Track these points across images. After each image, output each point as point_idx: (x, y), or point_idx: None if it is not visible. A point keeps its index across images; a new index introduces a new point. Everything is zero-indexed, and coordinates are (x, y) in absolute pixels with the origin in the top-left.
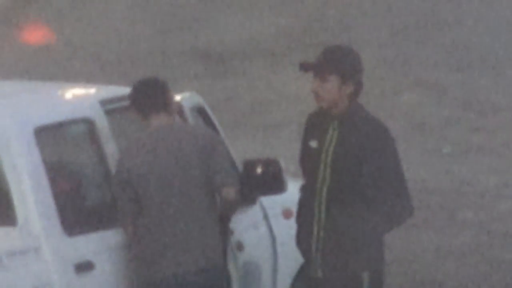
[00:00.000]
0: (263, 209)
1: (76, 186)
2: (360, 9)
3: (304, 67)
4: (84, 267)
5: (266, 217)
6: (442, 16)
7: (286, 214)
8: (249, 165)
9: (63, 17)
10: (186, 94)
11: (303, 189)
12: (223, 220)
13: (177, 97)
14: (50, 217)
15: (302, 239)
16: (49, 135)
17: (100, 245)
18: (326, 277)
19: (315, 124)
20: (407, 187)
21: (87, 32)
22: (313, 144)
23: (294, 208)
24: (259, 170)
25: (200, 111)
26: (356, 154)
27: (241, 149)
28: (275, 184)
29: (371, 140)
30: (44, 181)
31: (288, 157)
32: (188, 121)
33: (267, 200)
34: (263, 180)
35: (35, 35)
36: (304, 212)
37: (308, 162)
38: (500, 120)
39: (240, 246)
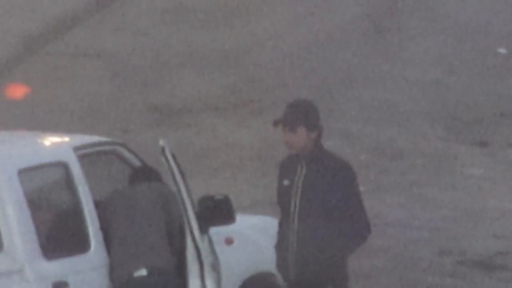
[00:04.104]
0: (210, 237)
1: (53, 217)
2: (292, 69)
3: (276, 122)
4: (60, 286)
5: (211, 243)
6: (364, 74)
7: (228, 241)
8: (204, 200)
9: (45, 78)
10: (164, 140)
11: (280, 224)
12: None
13: (160, 143)
14: (32, 244)
15: (280, 265)
16: (30, 175)
17: (73, 267)
18: None
19: (287, 167)
20: (365, 211)
21: (62, 90)
22: (286, 182)
23: (234, 237)
24: (212, 204)
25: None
26: (321, 185)
27: (191, 188)
28: (226, 216)
29: (334, 172)
30: (26, 213)
31: (232, 194)
32: (170, 162)
33: (212, 230)
34: (216, 213)
35: (15, 92)
36: (281, 241)
37: (283, 198)
38: (405, 164)
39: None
